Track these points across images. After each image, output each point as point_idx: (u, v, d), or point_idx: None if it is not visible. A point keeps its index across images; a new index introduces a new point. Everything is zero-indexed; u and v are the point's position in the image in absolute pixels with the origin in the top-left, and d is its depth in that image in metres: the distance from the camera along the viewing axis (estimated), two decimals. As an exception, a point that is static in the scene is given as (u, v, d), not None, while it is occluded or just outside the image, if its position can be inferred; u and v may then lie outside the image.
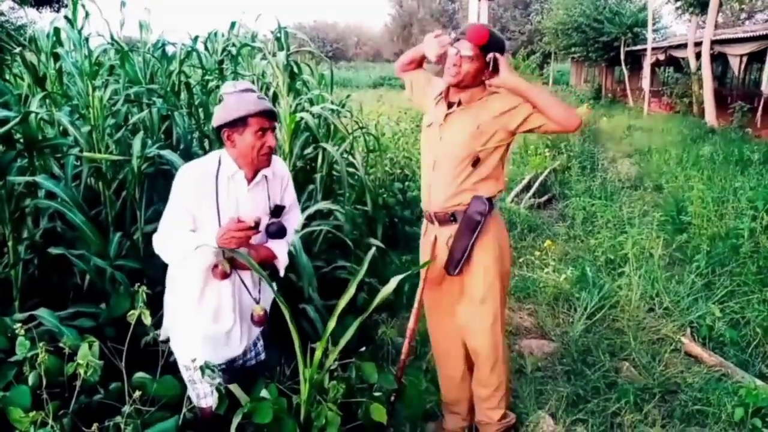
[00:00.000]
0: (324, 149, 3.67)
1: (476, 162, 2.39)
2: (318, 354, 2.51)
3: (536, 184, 7.74)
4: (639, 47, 22.07)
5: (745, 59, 15.36)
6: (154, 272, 3.19)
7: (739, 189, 6.08)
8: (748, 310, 3.89)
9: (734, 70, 16.08)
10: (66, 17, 3.33)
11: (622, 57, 23.09)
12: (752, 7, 30.35)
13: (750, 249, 4.68)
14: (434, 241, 2.55)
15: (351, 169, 3.96)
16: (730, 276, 4.43)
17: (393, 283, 2.22)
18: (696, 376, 3.31)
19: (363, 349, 2.77)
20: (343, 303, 2.42)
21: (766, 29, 12.74)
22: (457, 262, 2.44)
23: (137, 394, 2.05)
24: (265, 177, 2.23)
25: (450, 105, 2.45)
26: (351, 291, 2.47)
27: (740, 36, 13.71)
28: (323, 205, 3.33)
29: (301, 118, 3.40)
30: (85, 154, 3.00)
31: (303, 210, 3.28)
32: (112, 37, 3.74)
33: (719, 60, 18.30)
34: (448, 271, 2.48)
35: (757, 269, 4.44)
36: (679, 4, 16.05)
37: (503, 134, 2.40)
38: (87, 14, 3.30)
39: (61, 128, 3.29)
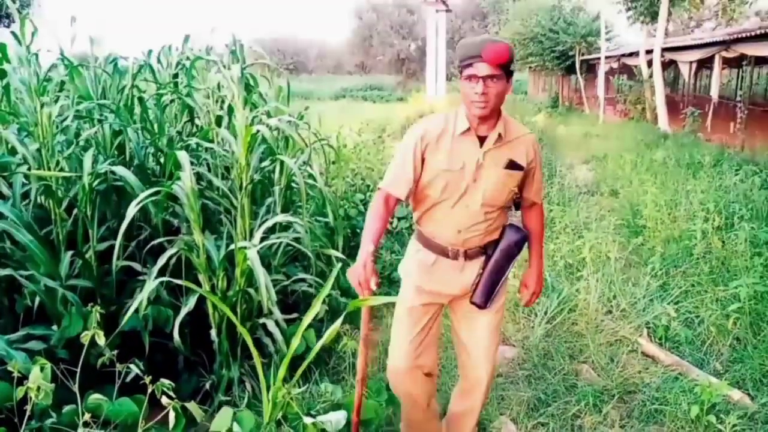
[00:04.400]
0: (282, 162, 3.66)
1: (518, 200, 2.29)
2: (281, 373, 2.49)
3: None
4: (593, 56, 22.62)
5: (695, 66, 15.89)
6: (107, 291, 3.14)
7: (691, 192, 6.25)
8: (702, 309, 3.99)
9: (685, 76, 16.61)
10: (13, 33, 3.25)
11: (578, 66, 23.63)
12: (700, 16, 31.44)
13: (702, 250, 4.82)
14: (443, 270, 2.29)
15: (310, 181, 3.95)
16: (684, 276, 4.55)
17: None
18: (653, 375, 3.38)
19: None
20: (307, 321, 2.41)
21: (713, 37, 13.19)
22: (490, 294, 2.26)
23: (87, 416, 1.99)
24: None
25: (482, 140, 2.12)
26: (316, 308, 2.47)
27: (689, 43, 14.16)
28: (282, 217, 3.31)
29: (258, 131, 3.38)
30: (33, 171, 2.92)
31: (261, 223, 3.26)
32: (61, 53, 3.66)
33: (670, 67, 18.91)
34: (478, 304, 2.27)
35: (709, 269, 4.56)
36: (630, 13, 16.50)
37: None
38: (35, 30, 3.24)
39: (9, 146, 3.21)
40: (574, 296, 4.22)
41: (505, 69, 1.99)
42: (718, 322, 3.77)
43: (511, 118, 2.21)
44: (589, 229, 5.45)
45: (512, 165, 2.13)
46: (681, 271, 4.65)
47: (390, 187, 2.16)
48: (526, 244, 2.36)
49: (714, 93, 12.75)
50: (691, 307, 4.07)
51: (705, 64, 16.28)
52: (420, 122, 2.24)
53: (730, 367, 3.46)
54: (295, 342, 2.48)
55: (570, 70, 25.24)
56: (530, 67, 29.70)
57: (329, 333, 2.38)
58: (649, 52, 15.63)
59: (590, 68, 24.68)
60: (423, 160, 2.13)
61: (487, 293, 2.25)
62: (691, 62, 14.64)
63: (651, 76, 15.38)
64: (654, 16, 15.53)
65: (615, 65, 21.05)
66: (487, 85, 1.97)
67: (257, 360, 2.59)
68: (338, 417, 2.44)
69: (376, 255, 2.04)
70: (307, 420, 2.24)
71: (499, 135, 2.10)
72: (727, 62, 14.14)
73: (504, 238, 2.25)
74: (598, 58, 20.05)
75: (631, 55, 18.82)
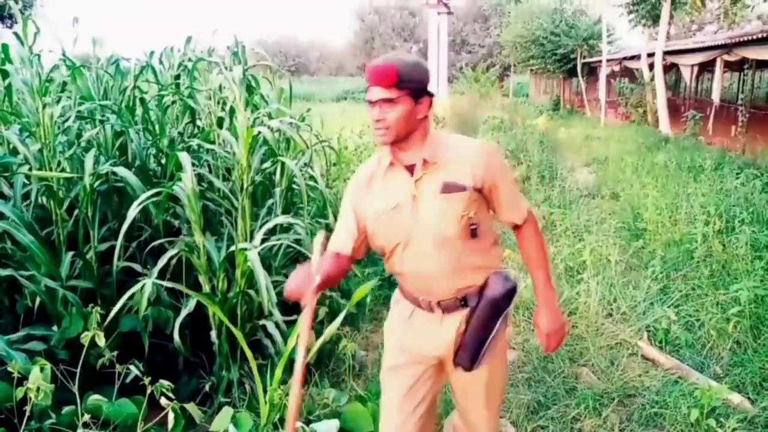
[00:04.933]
0: (283, 163, 3.66)
1: (475, 230, 1.83)
2: (278, 374, 2.50)
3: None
4: (595, 59, 22.63)
5: (696, 69, 15.90)
6: (108, 292, 3.14)
7: (692, 195, 6.25)
8: (703, 312, 3.99)
9: (686, 80, 16.63)
10: (15, 33, 3.26)
11: (579, 69, 23.64)
12: (702, 19, 31.47)
13: (703, 253, 4.81)
14: (420, 324, 1.97)
15: (311, 183, 3.95)
16: (685, 280, 4.55)
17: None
18: (653, 379, 3.38)
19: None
20: (304, 320, 2.41)
21: (715, 40, 13.19)
22: (475, 355, 1.91)
23: (86, 417, 1.99)
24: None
25: (410, 170, 1.82)
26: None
27: (691, 47, 14.15)
28: (283, 219, 3.31)
29: (259, 132, 3.38)
30: (35, 172, 2.93)
31: (262, 225, 3.27)
32: (63, 54, 3.67)
33: (672, 70, 18.88)
34: (464, 366, 1.93)
35: (710, 273, 4.56)
36: (632, 17, 16.51)
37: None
38: (37, 31, 3.25)
39: (10, 146, 3.21)
40: (574, 299, 4.22)
41: (408, 89, 1.71)
42: (718, 325, 3.77)
43: (453, 135, 1.93)
44: (589, 232, 5.45)
45: (448, 187, 1.78)
46: (681, 274, 4.65)
47: (334, 245, 1.91)
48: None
49: (715, 96, 12.74)
50: (691, 311, 4.07)
51: (706, 67, 16.27)
52: (354, 175, 1.99)
53: (730, 371, 3.45)
54: (293, 343, 2.49)
55: (571, 73, 25.26)
56: (532, 70, 29.74)
57: (327, 334, 2.39)
58: (650, 55, 15.64)
59: (592, 71, 24.69)
60: (362, 210, 1.89)
61: (472, 352, 1.91)
62: (692, 65, 14.63)
63: (652, 79, 15.39)
64: (656, 20, 15.54)
65: (616, 68, 21.04)
66: (383, 110, 1.72)
67: (252, 362, 2.60)
68: (330, 426, 2.44)
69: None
70: (297, 425, 2.25)
71: (424, 160, 1.78)
72: (729, 65, 14.17)
73: (488, 287, 1.89)
74: (600, 61, 20.06)
75: (632, 58, 18.83)
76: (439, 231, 1.80)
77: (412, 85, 1.72)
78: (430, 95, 1.78)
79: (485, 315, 1.88)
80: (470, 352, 1.90)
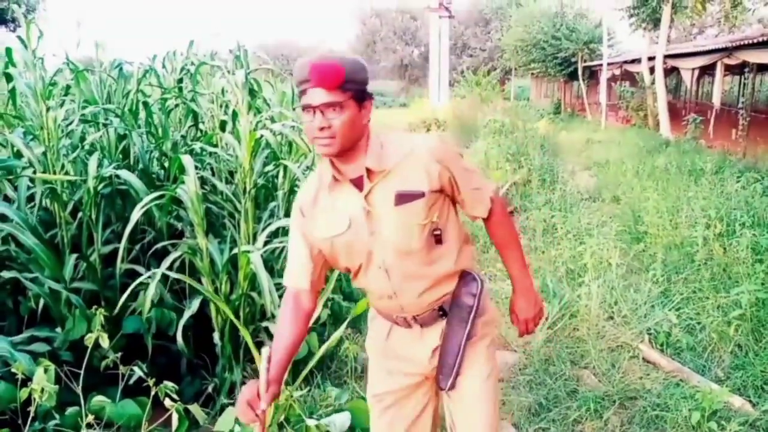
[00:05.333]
0: (285, 166, 3.68)
1: (439, 237, 1.64)
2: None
3: (498, 198, 7.85)
4: (595, 63, 22.65)
5: (697, 73, 15.91)
6: (111, 294, 3.16)
7: (693, 198, 6.26)
8: (704, 316, 3.99)
9: (687, 83, 16.62)
10: (19, 37, 3.29)
11: (580, 72, 23.65)
12: (703, 23, 31.50)
13: (704, 256, 4.82)
14: (400, 341, 1.78)
15: (313, 186, 3.96)
16: (686, 283, 4.55)
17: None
18: (654, 382, 3.38)
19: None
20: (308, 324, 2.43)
21: (716, 44, 13.20)
22: (451, 369, 1.70)
23: (90, 418, 2.01)
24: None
25: (357, 183, 1.60)
26: (317, 312, 2.49)
27: (692, 50, 14.18)
28: (285, 221, 3.32)
29: (262, 136, 3.40)
30: (39, 175, 2.95)
31: (265, 227, 3.28)
32: (67, 57, 3.70)
33: (673, 74, 18.90)
34: (441, 385, 1.73)
35: (711, 276, 4.56)
36: (632, 20, 16.54)
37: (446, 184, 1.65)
38: (41, 35, 3.27)
39: (15, 149, 3.23)
40: (575, 302, 4.23)
41: (352, 91, 1.51)
42: (719, 328, 3.77)
43: (395, 134, 1.68)
44: (590, 235, 5.46)
45: (403, 197, 1.57)
46: (682, 277, 4.66)
47: (290, 281, 1.72)
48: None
49: (716, 100, 12.76)
50: (692, 314, 4.07)
51: (707, 71, 16.29)
52: (299, 192, 1.76)
53: (731, 374, 3.45)
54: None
55: (572, 76, 25.28)
56: (533, 74, 29.75)
57: (333, 338, 2.40)
58: (651, 58, 15.66)
59: (592, 75, 24.71)
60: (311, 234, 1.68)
61: (448, 369, 1.70)
62: (693, 69, 14.66)
63: (653, 82, 15.40)
64: (656, 23, 15.57)
65: (617, 72, 21.07)
66: (327, 116, 1.48)
67: (258, 362, 2.60)
68: (342, 419, 2.45)
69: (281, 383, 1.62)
70: (310, 422, 2.26)
71: (368, 170, 1.57)
72: (729, 69, 14.17)
73: (456, 290, 1.72)
74: (601, 65, 20.06)
75: (633, 61, 18.86)
76: (401, 246, 1.61)
77: (357, 87, 1.52)
78: (371, 97, 1.59)
79: (454, 322, 1.70)
80: (445, 368, 1.71)
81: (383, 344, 1.81)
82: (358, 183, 1.59)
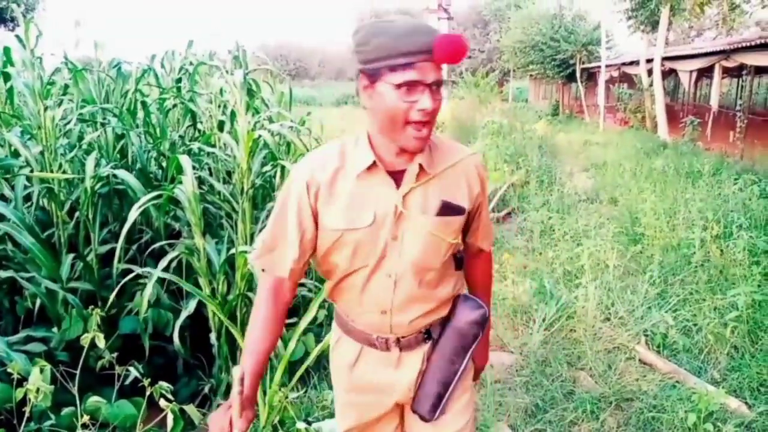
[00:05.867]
0: (283, 167, 3.68)
1: (461, 260, 1.56)
2: (278, 377, 2.51)
3: (495, 199, 7.87)
4: (594, 64, 22.70)
5: (694, 75, 15.92)
6: (108, 294, 3.15)
7: (690, 200, 6.27)
8: (700, 317, 3.99)
9: (685, 85, 16.66)
10: (17, 36, 3.28)
11: (578, 74, 23.71)
12: (701, 25, 31.57)
13: (701, 258, 4.83)
14: (370, 366, 1.56)
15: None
16: (683, 285, 4.56)
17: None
18: (651, 383, 3.39)
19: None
20: (304, 324, 2.43)
21: (714, 46, 13.23)
22: (440, 399, 1.53)
23: (85, 418, 2.00)
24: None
25: (397, 176, 1.40)
26: (312, 312, 2.49)
27: (689, 53, 14.20)
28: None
29: (259, 136, 3.40)
30: (36, 174, 2.95)
31: (262, 228, 3.28)
32: (65, 57, 3.70)
33: (670, 76, 18.96)
34: (422, 415, 1.54)
35: (707, 278, 4.58)
36: (631, 22, 16.57)
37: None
38: (39, 34, 3.27)
39: (12, 149, 3.23)
40: (572, 303, 4.23)
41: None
42: (715, 330, 3.78)
43: (445, 139, 1.52)
44: (588, 237, 5.46)
45: (448, 209, 1.42)
46: (679, 279, 4.66)
47: (269, 266, 1.47)
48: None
49: (714, 102, 12.78)
50: (689, 315, 4.08)
51: (705, 73, 16.32)
52: (303, 160, 1.48)
53: (727, 376, 3.46)
54: (292, 345, 2.50)
55: (570, 78, 25.32)
56: (531, 75, 29.82)
57: (328, 338, 2.38)
58: (649, 61, 15.69)
59: (591, 76, 24.76)
60: (316, 217, 1.43)
61: (434, 398, 1.53)
62: (691, 71, 14.67)
63: (651, 84, 15.44)
64: (654, 26, 15.59)
65: (615, 74, 21.12)
66: (436, 97, 1.30)
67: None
68: (331, 425, 2.45)
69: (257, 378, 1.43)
70: (300, 425, 2.26)
71: (420, 167, 1.39)
72: (727, 71, 14.20)
73: (455, 315, 1.54)
74: (599, 67, 20.12)
75: (631, 63, 18.89)
76: (422, 260, 1.42)
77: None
78: None
79: (451, 349, 1.52)
80: (431, 397, 1.53)
81: (347, 375, 1.58)
82: (396, 177, 1.40)
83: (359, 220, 1.38)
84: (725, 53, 11.81)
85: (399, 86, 1.26)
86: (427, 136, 1.32)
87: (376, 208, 1.38)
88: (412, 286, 1.44)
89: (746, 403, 3.15)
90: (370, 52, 1.28)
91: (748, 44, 10.82)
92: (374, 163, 1.37)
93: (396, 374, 1.53)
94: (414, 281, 1.44)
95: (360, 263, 1.43)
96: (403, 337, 1.51)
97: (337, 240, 1.41)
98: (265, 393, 2.60)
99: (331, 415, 2.66)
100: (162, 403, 2.22)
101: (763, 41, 10.21)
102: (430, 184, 1.40)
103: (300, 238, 1.43)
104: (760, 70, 15.81)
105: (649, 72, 15.64)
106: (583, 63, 23.68)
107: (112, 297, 2.66)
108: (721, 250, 4.87)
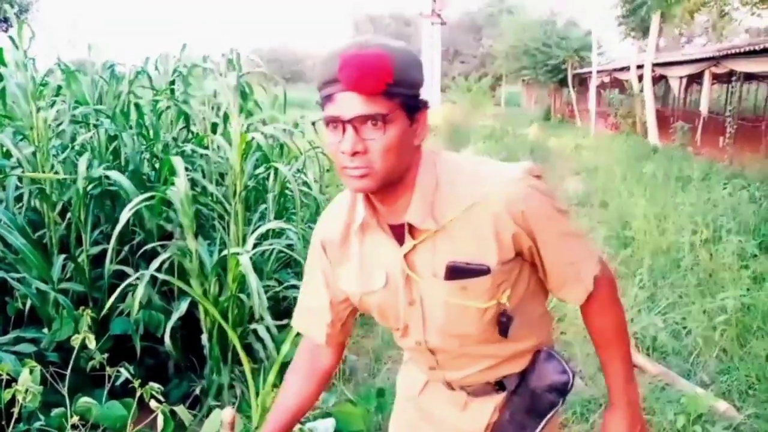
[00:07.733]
0: (276, 169, 3.69)
1: (506, 325, 1.16)
2: (271, 378, 2.51)
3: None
4: (585, 70, 22.84)
5: (685, 81, 16.06)
6: (99, 295, 3.14)
7: (680, 205, 6.32)
8: (689, 320, 4.02)
9: (675, 91, 16.78)
10: (10, 37, 3.28)
11: (570, 79, 23.85)
12: (691, 32, 31.84)
13: (690, 262, 4.87)
14: (435, 401, 1.37)
15: (305, 189, 3.97)
16: (672, 288, 4.59)
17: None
18: (640, 385, 3.34)
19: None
20: (296, 326, 2.43)
21: (703, 53, 13.34)
22: None
23: (75, 419, 2.00)
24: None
25: (397, 232, 1.13)
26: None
27: (680, 59, 14.32)
28: (275, 224, 3.33)
29: (252, 138, 3.41)
30: (27, 174, 2.94)
31: (255, 230, 3.29)
32: (58, 58, 3.69)
33: (661, 82, 19.08)
34: None
35: (697, 281, 4.61)
36: (622, 29, 16.71)
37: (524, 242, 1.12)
38: (33, 35, 3.27)
39: (3, 149, 3.22)
40: (562, 306, 4.25)
41: (402, 97, 1.00)
42: (705, 333, 3.81)
43: (456, 166, 1.12)
44: (579, 241, 5.49)
45: (458, 272, 1.10)
46: (669, 282, 4.70)
47: (305, 330, 1.36)
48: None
49: (703, 108, 12.88)
50: (678, 319, 4.11)
51: (695, 79, 16.45)
52: (320, 217, 1.31)
53: (716, 379, 3.48)
54: (285, 347, 2.50)
55: (562, 83, 25.47)
56: (523, 80, 29.98)
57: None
58: (640, 66, 15.79)
59: (582, 82, 24.91)
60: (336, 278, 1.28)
61: None
62: (681, 77, 14.80)
63: (642, 90, 15.53)
64: (645, 32, 15.72)
65: (606, 79, 21.25)
66: (363, 135, 0.99)
67: (246, 365, 2.60)
68: (326, 425, 2.45)
69: None
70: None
71: (410, 226, 1.10)
72: (717, 78, 14.30)
73: (533, 373, 1.26)
74: (590, 72, 20.23)
75: (622, 69, 19.00)
76: (452, 329, 1.18)
77: (408, 91, 1.01)
78: (427, 106, 1.07)
79: (523, 410, 1.27)
80: None
81: (413, 403, 1.41)
82: (398, 232, 1.12)
83: (372, 282, 1.19)
84: (715, 60, 11.92)
85: (327, 123, 1.03)
86: (368, 181, 1.02)
87: (387, 268, 1.17)
88: (451, 350, 1.22)
89: (735, 405, 3.16)
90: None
91: (737, 51, 10.92)
92: (367, 219, 1.14)
93: (462, 417, 1.32)
94: (452, 346, 1.21)
95: (393, 324, 1.24)
96: (468, 386, 1.29)
97: (359, 302, 1.25)
98: (257, 395, 2.60)
99: (325, 415, 2.67)
100: (152, 404, 2.22)
101: (752, 48, 10.31)
102: (437, 237, 1.09)
103: (329, 303, 1.29)
104: (749, 77, 15.95)
105: (640, 78, 15.74)
106: (575, 68, 23.84)
107: (110, 302, 2.65)
108: (711, 254, 4.91)
